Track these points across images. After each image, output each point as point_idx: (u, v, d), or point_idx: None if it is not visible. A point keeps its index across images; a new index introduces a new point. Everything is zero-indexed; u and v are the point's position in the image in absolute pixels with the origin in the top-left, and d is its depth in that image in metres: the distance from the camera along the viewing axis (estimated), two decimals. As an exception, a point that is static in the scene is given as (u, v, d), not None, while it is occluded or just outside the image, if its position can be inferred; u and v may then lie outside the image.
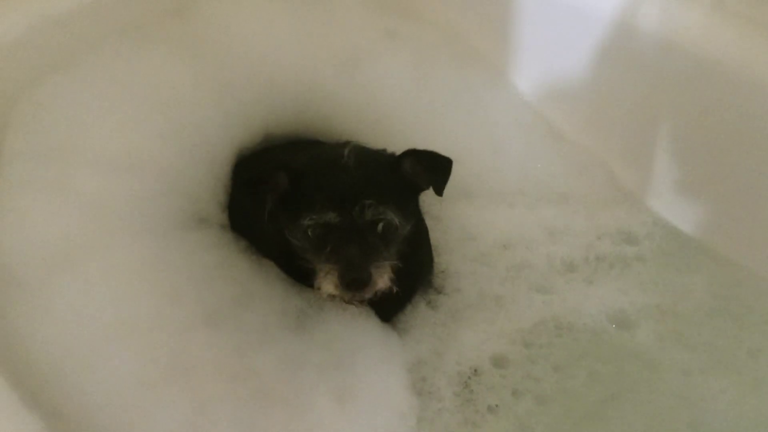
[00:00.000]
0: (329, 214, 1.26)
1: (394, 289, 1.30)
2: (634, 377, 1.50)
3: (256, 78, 1.74)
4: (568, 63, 1.85)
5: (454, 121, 1.49)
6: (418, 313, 1.55)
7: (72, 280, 1.33)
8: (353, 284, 1.24)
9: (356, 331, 1.43)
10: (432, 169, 1.35)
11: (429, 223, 1.59)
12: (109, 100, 1.55)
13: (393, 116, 1.55)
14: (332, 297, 1.31)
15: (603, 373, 1.50)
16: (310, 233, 1.28)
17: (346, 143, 1.39)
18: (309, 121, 1.76)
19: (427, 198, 1.55)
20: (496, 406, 1.43)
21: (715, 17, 1.60)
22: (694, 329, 1.57)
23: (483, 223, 1.73)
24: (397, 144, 1.40)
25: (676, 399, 1.45)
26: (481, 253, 1.68)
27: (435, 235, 1.64)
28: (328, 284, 1.27)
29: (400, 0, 2.02)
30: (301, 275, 1.42)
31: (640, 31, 1.66)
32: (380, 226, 1.29)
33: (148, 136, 1.54)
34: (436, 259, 1.61)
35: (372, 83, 1.84)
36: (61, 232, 1.38)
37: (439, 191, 1.35)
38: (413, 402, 1.39)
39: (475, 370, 1.48)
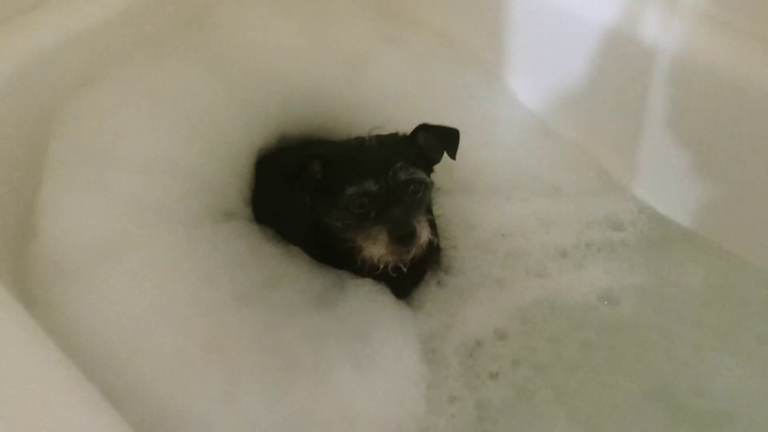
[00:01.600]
0: (368, 183, 1.42)
1: (435, 242, 1.46)
2: (624, 347, 1.68)
3: (271, 83, 1.92)
4: (558, 64, 1.99)
5: (452, 119, 1.56)
6: (429, 292, 1.71)
7: (117, 270, 1.49)
8: (403, 238, 1.39)
9: (374, 307, 1.58)
10: (443, 137, 1.54)
11: (435, 213, 1.70)
12: (139, 108, 1.71)
13: (396, 115, 1.68)
14: (381, 259, 1.45)
15: (595, 343, 1.68)
16: (353, 208, 1.43)
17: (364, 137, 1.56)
18: (320, 122, 1.93)
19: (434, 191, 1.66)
20: (497, 373, 1.60)
21: (697, 22, 1.72)
22: (688, 308, 1.74)
23: (482, 214, 1.88)
24: (401, 140, 1.55)
25: (673, 368, 1.63)
26: (482, 240, 1.83)
27: (440, 224, 1.77)
28: (378, 247, 1.41)
29: (398, 8, 2.21)
30: (328, 257, 1.60)
31: (624, 35, 1.79)
32: (412, 186, 1.45)
33: (177, 140, 1.71)
34: (442, 245, 1.76)
35: (375, 85, 2.01)
36: (104, 227, 1.54)
37: (453, 155, 1.54)
38: (424, 370, 1.55)
39: (479, 342, 1.65)
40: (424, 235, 1.42)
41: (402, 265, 1.50)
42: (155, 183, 1.64)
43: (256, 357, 1.45)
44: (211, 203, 1.68)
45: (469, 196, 1.92)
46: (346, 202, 1.44)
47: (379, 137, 1.54)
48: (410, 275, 1.59)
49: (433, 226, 1.58)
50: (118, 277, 1.48)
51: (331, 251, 1.55)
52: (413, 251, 1.43)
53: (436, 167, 1.61)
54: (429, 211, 1.58)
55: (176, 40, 1.89)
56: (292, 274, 1.60)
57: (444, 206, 1.84)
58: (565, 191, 1.96)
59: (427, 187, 1.49)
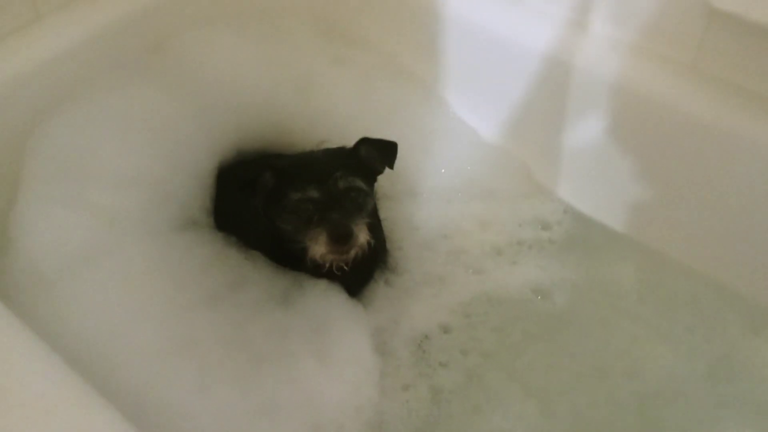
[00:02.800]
0: (311, 190, 1.50)
1: (371, 243, 1.53)
2: (563, 336, 1.78)
3: (229, 102, 1.96)
4: (492, 83, 2.07)
5: (396, 133, 1.66)
6: (378, 290, 1.78)
7: (92, 277, 1.54)
8: (340, 238, 1.47)
9: (330, 304, 1.64)
10: (382, 149, 1.61)
11: (382, 215, 1.81)
12: (109, 127, 1.76)
13: (343, 129, 1.76)
14: (324, 258, 1.51)
15: (535, 333, 1.77)
16: (299, 212, 1.51)
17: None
18: (274, 137, 1.98)
19: (381, 198, 1.84)
20: (447, 362, 1.67)
21: (610, 45, 1.83)
22: (621, 301, 1.84)
23: (425, 217, 1.94)
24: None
25: (609, 354, 1.73)
26: (425, 241, 1.89)
27: (387, 226, 1.85)
28: (319, 246, 1.48)
29: (346, 30, 2.25)
30: (285, 260, 1.66)
31: (549, 57, 1.89)
32: (353, 193, 1.52)
33: (144, 156, 1.76)
34: (389, 246, 1.83)
35: (324, 102, 2.06)
36: (79, 238, 1.59)
37: (391, 165, 1.61)
38: (377, 360, 1.62)
39: (426, 336, 1.72)
40: (362, 236, 1.50)
41: (344, 265, 1.58)
42: (125, 196, 1.69)
43: (227, 352, 1.51)
44: (176, 213, 1.74)
45: (413, 201, 1.98)
46: (292, 206, 1.52)
47: (326, 150, 1.64)
48: (360, 275, 1.69)
49: (377, 229, 1.66)
50: (95, 283, 1.54)
51: (287, 254, 1.61)
52: (352, 251, 1.50)
53: (383, 176, 1.67)
54: (374, 215, 1.66)
55: (140, 65, 1.94)
56: (255, 276, 1.66)
57: (390, 210, 1.92)
58: (499, 194, 2.02)
59: (365, 194, 1.57)
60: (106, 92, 1.82)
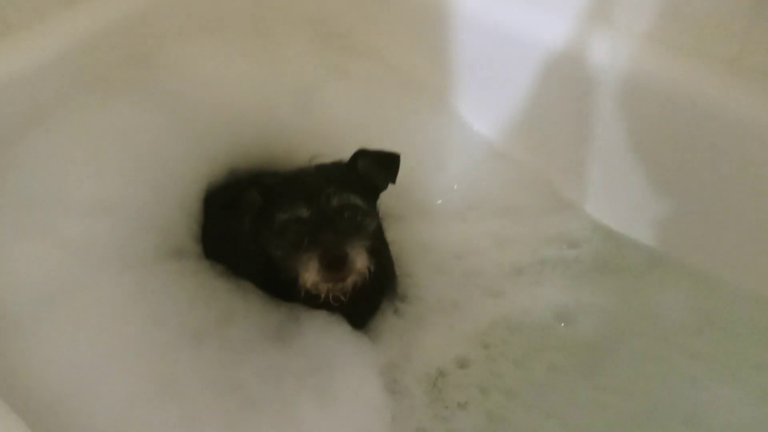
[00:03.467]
0: (299, 209, 1.38)
1: (371, 269, 1.41)
2: (592, 369, 1.62)
3: (218, 117, 1.87)
4: (505, 88, 1.96)
5: (402, 146, 1.55)
6: (386, 320, 1.66)
7: (62, 315, 1.44)
8: (333, 263, 1.34)
9: (331, 339, 1.53)
10: (383, 162, 1.50)
11: (389, 237, 1.71)
12: (82, 149, 1.67)
13: (346, 143, 1.60)
14: (316, 287, 1.40)
15: (561, 365, 1.62)
16: (287, 234, 1.40)
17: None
18: (270, 154, 1.88)
19: (387, 218, 1.70)
20: (466, 402, 1.54)
21: (639, 42, 1.71)
22: (659, 331, 1.67)
23: (438, 237, 1.84)
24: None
25: (655, 392, 1.57)
26: (437, 263, 1.78)
27: (395, 249, 1.75)
28: (310, 273, 1.37)
29: (345, 39, 2.17)
30: (279, 290, 1.55)
31: (570, 56, 1.77)
32: (347, 213, 1.41)
33: (122, 180, 1.66)
34: (397, 271, 1.72)
35: (325, 116, 1.98)
36: (48, 273, 1.50)
37: (393, 180, 1.50)
38: (387, 400, 1.50)
39: (441, 372, 1.60)
40: (360, 261, 1.38)
41: (341, 295, 1.46)
42: (101, 225, 1.60)
43: (213, 396, 1.41)
44: (159, 242, 1.64)
45: (423, 220, 1.89)
46: (280, 228, 1.41)
47: (319, 166, 1.53)
48: (364, 305, 1.57)
49: (383, 252, 1.56)
50: (65, 324, 1.44)
51: (280, 284, 1.50)
52: (349, 278, 1.39)
53: (388, 192, 1.56)
54: (379, 237, 1.55)
55: (121, 79, 1.85)
56: (245, 309, 1.56)
57: (398, 231, 1.81)
58: (518, 210, 1.93)
59: (364, 213, 1.45)
60: (81, 111, 1.73)
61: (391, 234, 1.74)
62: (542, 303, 1.73)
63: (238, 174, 1.84)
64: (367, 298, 1.56)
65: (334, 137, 1.91)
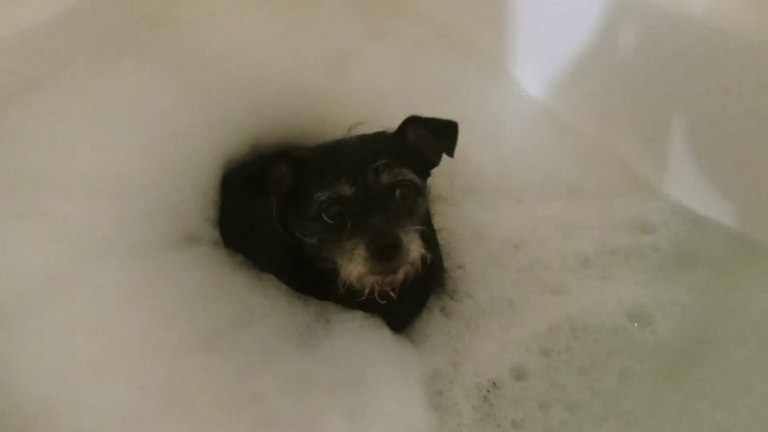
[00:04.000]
0: (342, 186, 1.25)
1: (428, 259, 1.27)
2: (683, 379, 1.48)
3: (241, 85, 1.78)
4: (567, 48, 1.86)
5: (451, 115, 1.43)
6: (432, 321, 1.55)
7: (56, 310, 1.36)
8: (385, 252, 1.20)
9: (366, 345, 1.43)
10: (437, 131, 1.37)
11: (436, 223, 1.60)
12: (85, 119, 1.58)
13: (388, 113, 1.51)
14: (362, 281, 1.27)
15: (636, 373, 1.49)
16: (325, 216, 1.26)
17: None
18: (300, 127, 1.79)
19: (433, 200, 1.57)
20: (522, 420, 1.43)
21: None
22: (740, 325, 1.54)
23: (491, 222, 1.74)
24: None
25: (732, 396, 1.43)
26: (492, 254, 1.68)
27: (443, 237, 1.64)
28: (355, 264, 1.23)
29: None
30: (308, 286, 1.45)
31: (645, 9, 1.67)
32: (399, 191, 1.28)
33: (129, 154, 1.57)
34: (445, 263, 1.62)
35: (364, 82, 1.88)
36: (42, 260, 1.42)
37: (450, 152, 1.38)
38: (430, 418, 1.38)
39: (494, 383, 1.48)
40: (414, 248, 1.24)
41: (390, 290, 1.32)
42: (103, 206, 1.50)
43: (227, 411, 1.31)
44: (169, 227, 1.54)
45: (474, 203, 1.77)
46: (317, 210, 1.27)
47: (362, 137, 1.39)
48: (409, 303, 1.44)
49: (432, 242, 1.43)
50: (59, 319, 1.36)
51: (310, 277, 1.39)
52: (401, 270, 1.25)
53: (434, 171, 1.45)
54: (427, 223, 1.41)
55: (130, 40, 1.76)
56: (267, 308, 1.44)
57: (446, 218, 1.67)
58: (584, 191, 1.81)
59: (418, 191, 1.32)
60: (82, 75, 1.64)
61: (438, 219, 1.62)
62: (613, 301, 1.60)
63: (261, 149, 1.75)
64: (412, 295, 1.43)
65: (373, 107, 1.79)
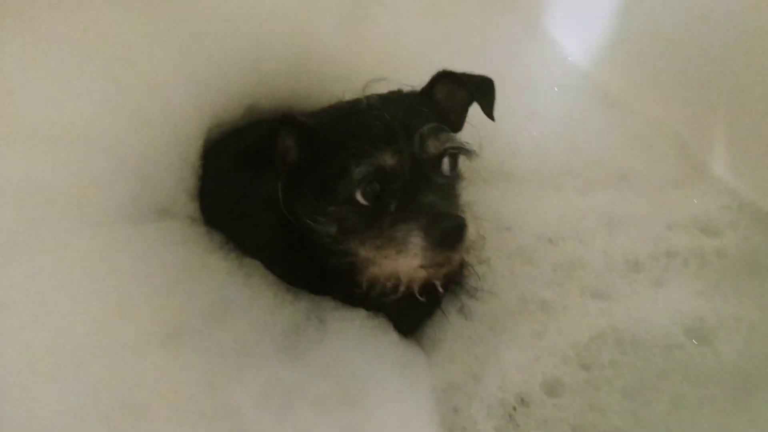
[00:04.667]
0: (383, 156, 1.10)
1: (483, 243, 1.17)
2: (732, 401, 1.39)
3: (237, 35, 1.67)
4: (621, 9, 1.79)
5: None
6: (449, 324, 1.45)
7: None
8: (449, 237, 1.08)
9: (367, 350, 1.32)
10: (473, 88, 1.27)
11: None
12: (42, 58, 1.47)
13: (408, 75, 1.38)
14: (413, 277, 1.16)
15: (692, 398, 1.40)
16: (360, 197, 1.12)
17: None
18: (306, 88, 1.69)
19: None
20: None
21: None
22: None
23: (523, 211, 1.66)
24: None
25: None
26: (522, 247, 1.59)
27: None
28: (409, 256, 1.09)
29: None
30: (301, 277, 1.33)
31: None
32: (446, 161, 1.15)
33: (93, 104, 1.45)
34: (466, 256, 1.42)
35: (382, 38, 1.78)
36: None
37: (490, 112, 1.27)
38: None
39: (522, 399, 1.39)
40: (473, 228, 1.13)
41: (437, 283, 1.21)
42: (57, 163, 1.38)
43: (189, 426, 1.19)
44: (137, 195, 1.43)
45: (504, 186, 1.69)
46: (350, 190, 1.12)
47: (383, 96, 1.26)
48: (420, 301, 1.30)
49: None
50: None
51: (307, 268, 1.28)
52: (457, 257, 1.16)
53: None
54: None
55: None
56: (246, 300, 1.32)
57: (468, 200, 1.56)
58: (635, 180, 1.73)
59: (468, 159, 1.21)
60: (43, 8, 1.51)
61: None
62: (667, 311, 1.50)
63: (257, 113, 1.66)
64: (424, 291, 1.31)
65: (392, 68, 1.60)
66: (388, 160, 1.10)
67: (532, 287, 1.53)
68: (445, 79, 1.25)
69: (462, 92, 1.29)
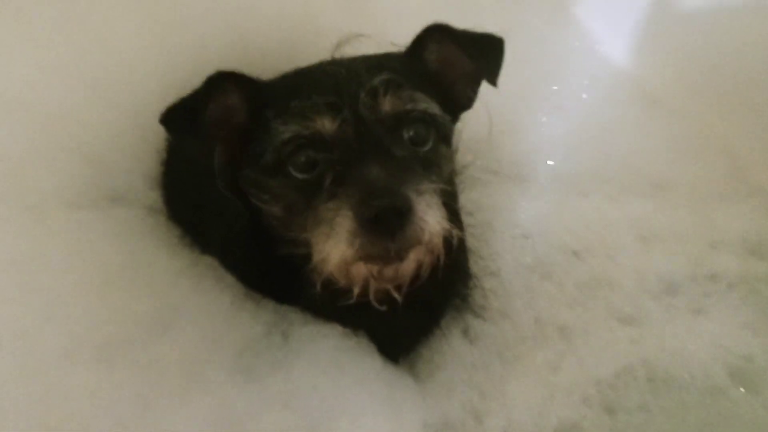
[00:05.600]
0: (318, 117, 0.93)
1: (454, 241, 0.95)
2: None
3: (219, 4, 1.54)
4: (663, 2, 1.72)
5: (504, 66, 1.15)
6: (449, 347, 1.29)
7: None
8: (384, 219, 0.87)
9: (343, 377, 1.15)
10: (474, 48, 1.06)
11: (462, 208, 1.36)
12: None
13: None
14: (346, 273, 0.96)
15: None
16: (291, 168, 0.95)
17: None
18: (297, 63, 1.49)
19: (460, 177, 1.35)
20: None
21: None
22: None
23: (543, 217, 1.53)
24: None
25: None
26: (541, 260, 1.45)
27: (470, 228, 1.43)
28: (336, 241, 0.90)
29: None
30: (264, 280, 1.16)
31: None
32: (411, 129, 0.97)
33: (39, 67, 1.32)
34: (473, 267, 1.39)
35: (388, 16, 1.65)
36: None
37: (493, 78, 1.06)
38: None
39: None
40: (432, 219, 0.92)
41: (394, 290, 1.02)
42: None
43: None
44: (86, 177, 1.28)
45: (522, 187, 1.58)
46: (277, 157, 0.96)
47: (357, 57, 1.09)
48: (413, 318, 1.16)
49: (454, 223, 1.11)
50: None
51: (270, 268, 1.10)
52: (411, 253, 0.94)
53: (468, 137, 1.18)
54: (450, 195, 1.08)
55: None
56: (196, 308, 1.16)
57: (478, 203, 1.51)
58: (675, 190, 1.60)
59: (440, 132, 1.02)
60: None
61: (466, 201, 1.41)
62: (708, 345, 1.37)
63: None
64: (419, 305, 1.13)
65: (393, 49, 1.49)
66: (326, 122, 0.94)
67: (551, 308, 1.39)
68: (437, 33, 1.06)
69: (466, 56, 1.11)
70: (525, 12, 1.79)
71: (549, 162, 1.64)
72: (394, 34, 1.51)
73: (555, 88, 1.70)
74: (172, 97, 1.36)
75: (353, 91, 0.94)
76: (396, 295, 1.03)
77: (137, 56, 1.42)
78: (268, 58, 1.51)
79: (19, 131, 1.29)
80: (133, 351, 1.11)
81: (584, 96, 1.72)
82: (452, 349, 1.30)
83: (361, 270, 0.95)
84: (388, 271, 0.97)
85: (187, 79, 1.30)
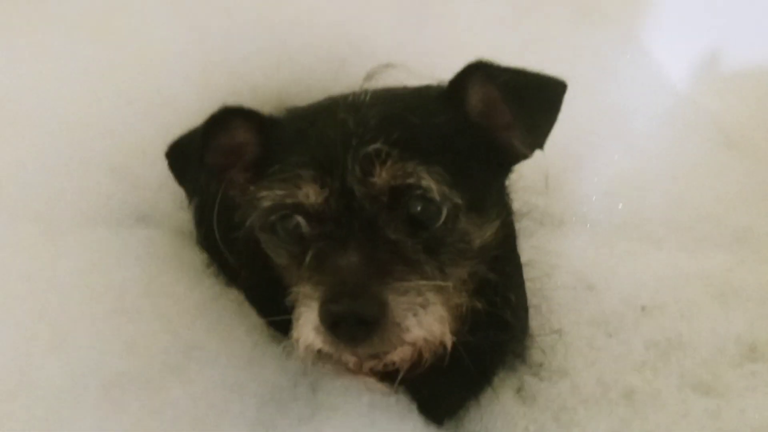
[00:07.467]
0: (306, 186, 0.84)
1: (449, 342, 0.86)
2: None
3: (266, 21, 1.47)
4: (740, 29, 1.64)
5: (567, 96, 1.06)
6: (501, 409, 1.19)
7: None
8: (344, 327, 0.78)
9: None
10: (518, 93, 0.90)
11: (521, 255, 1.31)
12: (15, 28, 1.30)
13: None
14: (314, 360, 0.87)
15: None
16: (280, 231, 0.88)
17: None
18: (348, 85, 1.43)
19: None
20: None
21: None
22: None
23: (610, 268, 1.42)
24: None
25: None
26: (606, 315, 1.34)
27: (530, 278, 1.34)
28: (304, 325, 0.82)
29: None
30: (287, 323, 1.02)
31: None
32: (414, 204, 0.85)
33: (65, 79, 1.25)
34: (533, 321, 1.30)
35: (447, 42, 1.60)
36: None
37: (540, 138, 0.90)
38: None
39: None
40: (414, 324, 0.81)
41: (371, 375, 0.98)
42: (9, 149, 1.19)
43: None
44: (109, 192, 1.20)
45: (588, 235, 1.48)
46: (266, 222, 0.89)
47: (385, 91, 0.98)
48: (458, 377, 1.05)
49: (510, 282, 1.08)
50: None
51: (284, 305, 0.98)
52: (390, 354, 0.85)
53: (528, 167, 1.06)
54: (507, 256, 1.04)
55: None
56: (215, 348, 1.04)
57: (538, 247, 1.43)
58: (759, 243, 1.49)
59: (452, 209, 0.87)
60: None
61: (524, 252, 1.32)
62: None
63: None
64: (465, 364, 1.01)
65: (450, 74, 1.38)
66: (311, 192, 0.84)
67: (616, 369, 1.26)
68: (480, 73, 0.91)
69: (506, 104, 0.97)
70: (593, 42, 1.69)
71: (618, 206, 1.53)
72: (453, 61, 1.46)
73: (626, 123, 1.60)
74: (208, 111, 1.22)
75: (344, 158, 0.83)
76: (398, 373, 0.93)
77: (174, 68, 1.35)
78: (313, 78, 1.46)
79: (43, 146, 1.21)
80: (144, 392, 1.00)
81: (658, 134, 1.61)
82: (504, 410, 1.20)
83: (331, 350, 0.85)
84: (370, 364, 0.90)
85: (225, 95, 1.25)
